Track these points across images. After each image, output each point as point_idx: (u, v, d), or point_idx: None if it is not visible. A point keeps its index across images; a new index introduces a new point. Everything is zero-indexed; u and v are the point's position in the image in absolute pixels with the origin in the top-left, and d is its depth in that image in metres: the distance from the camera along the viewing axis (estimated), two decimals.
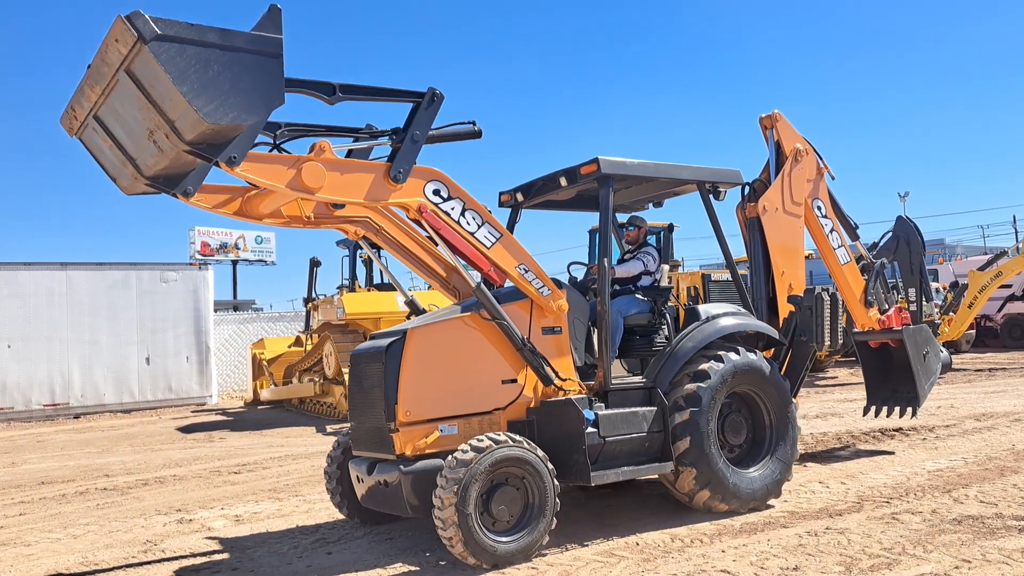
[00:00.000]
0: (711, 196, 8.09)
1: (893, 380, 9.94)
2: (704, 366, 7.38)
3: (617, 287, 8.33)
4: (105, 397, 22.03)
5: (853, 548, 6.19)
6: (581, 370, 7.37)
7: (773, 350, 8.48)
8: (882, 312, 9.95)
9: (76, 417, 21.46)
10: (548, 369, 6.89)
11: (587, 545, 6.59)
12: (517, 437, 6.37)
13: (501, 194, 8.38)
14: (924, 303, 19.92)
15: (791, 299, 8.58)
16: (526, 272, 6.93)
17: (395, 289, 18.45)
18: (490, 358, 6.85)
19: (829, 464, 9.61)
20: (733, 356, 7.52)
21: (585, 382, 7.27)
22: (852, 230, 10.01)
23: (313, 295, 21.17)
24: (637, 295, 8.09)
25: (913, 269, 20.18)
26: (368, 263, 20.42)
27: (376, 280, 20.27)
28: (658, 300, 8.08)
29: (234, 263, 45.70)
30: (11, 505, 9.88)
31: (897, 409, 9.99)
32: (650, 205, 8.92)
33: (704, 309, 7.97)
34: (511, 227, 8.41)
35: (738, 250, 8.81)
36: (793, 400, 7.94)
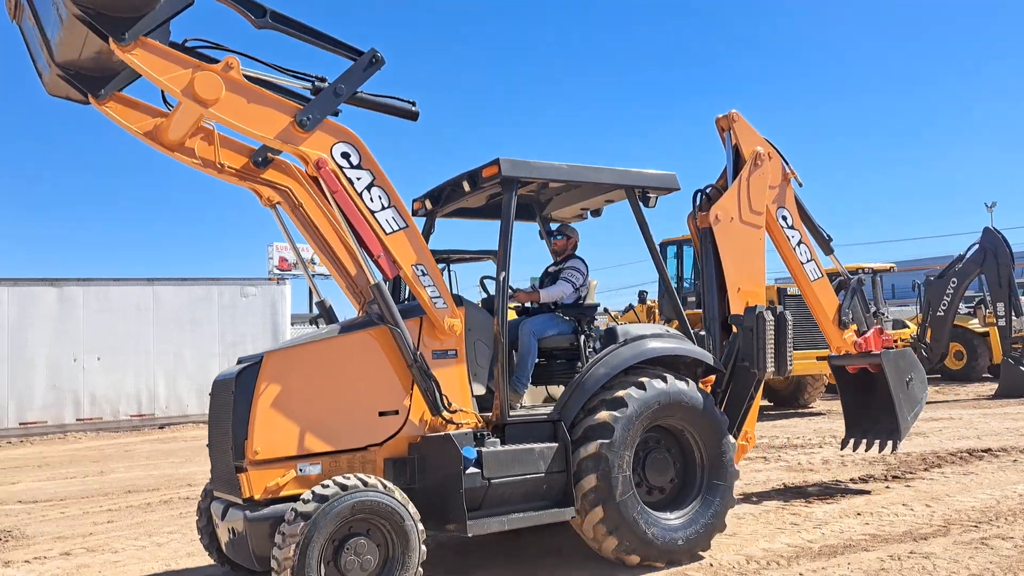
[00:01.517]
0: (641, 203, 6.94)
1: (875, 410, 8.37)
2: (621, 393, 5.94)
3: (533, 304, 7.23)
4: (188, 408, 21.55)
5: (939, 574, 5.66)
6: (486, 400, 6.11)
7: (715, 377, 7.28)
8: (860, 334, 8.62)
9: (161, 427, 21.09)
10: (440, 395, 5.65)
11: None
12: (371, 480, 5.06)
13: (413, 201, 7.05)
14: (1014, 318, 18.43)
15: (732, 319, 7.04)
16: (423, 275, 5.69)
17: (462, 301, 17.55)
18: (365, 387, 5.57)
19: (913, 485, 8.69)
20: (658, 384, 6.06)
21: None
22: (825, 243, 8.41)
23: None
24: (557, 313, 6.69)
25: (1001, 282, 18.57)
26: None
27: (453, 291, 19.13)
28: (582, 320, 6.67)
29: (298, 277, 45.64)
30: (100, 512, 9.57)
31: (877, 443, 8.33)
32: (588, 214, 7.78)
33: (624, 330, 6.47)
34: (424, 238, 7.20)
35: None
36: (731, 436, 6.48)
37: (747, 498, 8.46)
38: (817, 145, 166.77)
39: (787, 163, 7.90)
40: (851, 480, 9.22)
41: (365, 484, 5.05)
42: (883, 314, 18.93)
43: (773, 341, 6.63)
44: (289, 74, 5.50)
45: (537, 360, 6.76)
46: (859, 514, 7.56)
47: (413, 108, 5.84)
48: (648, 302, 19.85)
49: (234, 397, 5.37)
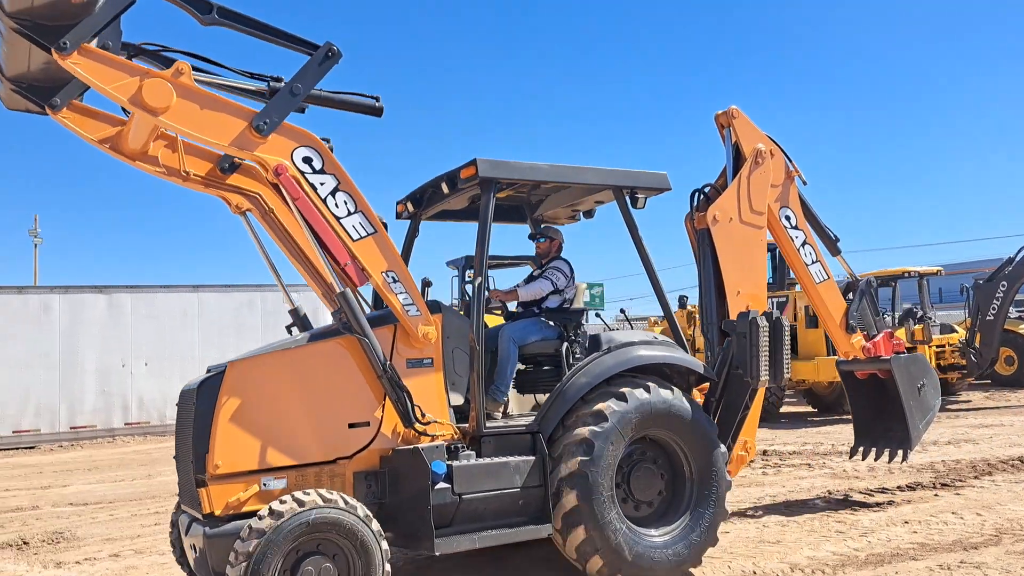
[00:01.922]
0: (630, 205, 6.55)
1: (886, 417, 7.81)
2: (601, 406, 5.55)
3: (520, 309, 6.89)
4: None
5: None
6: (467, 411, 5.72)
7: (708, 386, 6.81)
8: (870, 338, 8.11)
9: None
10: (411, 407, 5.28)
11: None
12: (332, 495, 4.74)
13: (397, 204, 6.71)
14: None
15: (725, 325, 6.59)
16: (394, 282, 5.34)
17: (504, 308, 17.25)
18: (335, 397, 5.23)
19: (963, 494, 8.30)
20: (640, 394, 5.65)
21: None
22: (832, 243, 7.87)
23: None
24: (542, 319, 6.33)
25: None
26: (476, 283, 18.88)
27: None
28: (568, 325, 6.28)
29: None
30: (147, 515, 9.56)
31: (887, 452, 7.83)
32: (581, 216, 7.42)
33: (608, 337, 6.06)
34: (409, 242, 6.76)
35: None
36: (722, 447, 6.03)
37: (791, 506, 8.16)
38: (862, 146, 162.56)
39: (790, 160, 7.42)
40: (898, 487, 8.81)
41: (324, 500, 4.74)
42: (930, 318, 18.20)
43: (768, 348, 6.18)
44: (243, 76, 5.20)
45: (523, 367, 6.45)
46: (907, 522, 7.26)
47: (376, 104, 5.49)
48: (689, 307, 19.32)
49: (195, 408, 5.10)
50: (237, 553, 4.56)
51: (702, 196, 7.19)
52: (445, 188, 6.00)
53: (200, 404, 5.10)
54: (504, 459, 5.41)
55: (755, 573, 5.87)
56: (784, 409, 16.90)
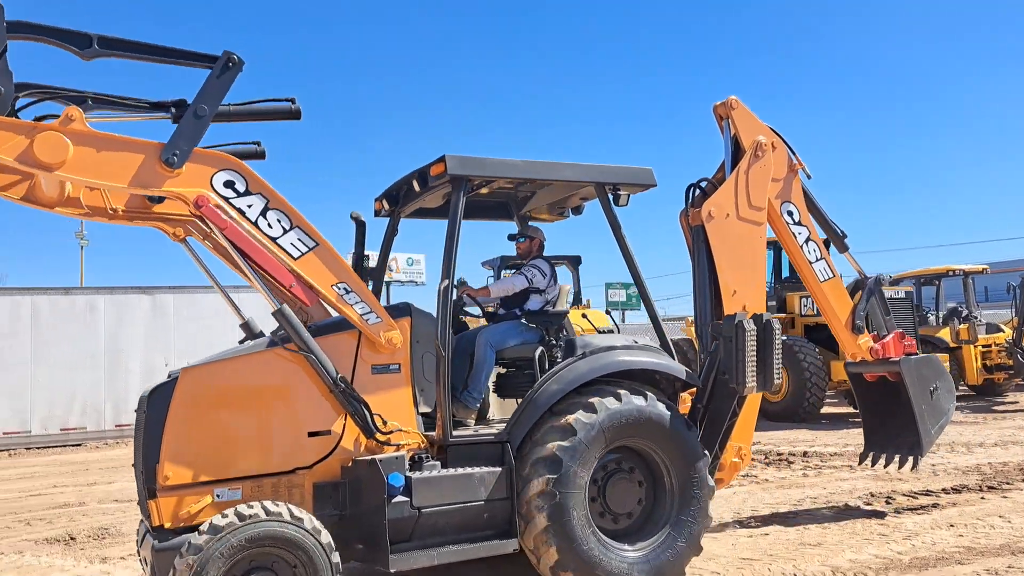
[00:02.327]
0: (613, 202, 6.14)
1: (897, 422, 7.29)
2: (569, 418, 5.16)
3: (502, 311, 6.54)
4: None
5: None
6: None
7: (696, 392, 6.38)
8: (880, 338, 7.57)
9: None
10: (370, 417, 5.00)
11: None
12: (276, 508, 4.45)
13: (374, 201, 6.41)
14: None
15: (712, 328, 6.18)
16: (347, 293, 5.01)
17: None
18: (294, 405, 4.94)
19: (1010, 496, 7.94)
20: (611, 403, 5.25)
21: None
22: (839, 239, 7.34)
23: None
24: (522, 322, 5.97)
25: None
26: None
27: None
28: (550, 328, 5.91)
29: (387, 284, 45.75)
30: None
31: (897, 459, 7.30)
32: (569, 212, 7.03)
33: (584, 341, 5.67)
34: (387, 241, 6.43)
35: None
36: (705, 455, 5.60)
37: (832, 508, 7.81)
38: (905, 141, 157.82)
39: (793, 153, 6.95)
40: (943, 490, 8.38)
41: (268, 513, 4.47)
42: (976, 317, 17.38)
43: (755, 353, 5.72)
44: (142, 107, 4.84)
45: (504, 371, 6.11)
46: (952, 525, 6.92)
47: (293, 107, 5.07)
48: None
49: (146, 416, 4.88)
50: (175, 570, 4.31)
51: (698, 191, 6.75)
52: (416, 186, 5.69)
53: (151, 412, 4.87)
54: (468, 470, 5.07)
55: None
56: (825, 410, 16.27)
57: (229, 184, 4.78)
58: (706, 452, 5.65)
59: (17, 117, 4.57)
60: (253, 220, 4.82)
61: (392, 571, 4.76)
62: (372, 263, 6.39)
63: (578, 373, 5.40)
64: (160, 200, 5.12)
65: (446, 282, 5.25)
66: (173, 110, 4.79)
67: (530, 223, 6.48)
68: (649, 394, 5.47)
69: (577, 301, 16.43)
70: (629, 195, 5.96)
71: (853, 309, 7.23)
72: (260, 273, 4.98)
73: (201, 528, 4.40)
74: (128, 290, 21.00)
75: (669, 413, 5.46)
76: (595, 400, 5.25)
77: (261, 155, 5.43)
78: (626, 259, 5.97)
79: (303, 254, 4.93)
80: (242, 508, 4.47)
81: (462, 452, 5.21)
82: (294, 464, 4.97)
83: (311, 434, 5.02)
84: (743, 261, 6.49)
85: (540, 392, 5.34)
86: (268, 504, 4.53)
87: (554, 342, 5.85)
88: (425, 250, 35.17)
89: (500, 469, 5.14)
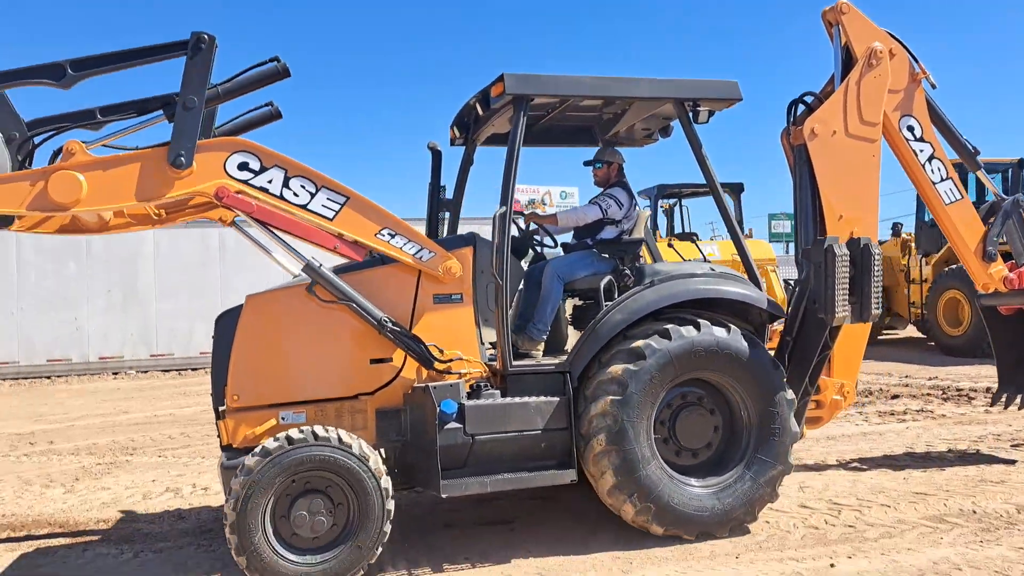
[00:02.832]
0: (691, 119, 5.59)
1: None
2: (639, 343, 4.90)
3: (574, 241, 6.21)
4: None
5: None
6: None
7: (783, 325, 5.78)
8: (1017, 267, 6.59)
9: None
10: (424, 348, 4.89)
11: None
12: (326, 433, 4.48)
13: (449, 129, 6.19)
14: None
15: (803, 253, 5.58)
16: (392, 237, 4.89)
17: (697, 238, 16.63)
18: (355, 333, 4.92)
19: None
20: (688, 331, 4.93)
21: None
22: (970, 156, 6.42)
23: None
24: (593, 251, 5.67)
25: None
26: (669, 213, 18.08)
27: (677, 229, 17.92)
28: (625, 258, 5.56)
29: None
30: None
31: None
32: (657, 135, 6.52)
33: (653, 269, 5.33)
34: (463, 170, 6.21)
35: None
36: (788, 393, 5.15)
37: (1017, 446, 7.22)
38: None
39: (916, 61, 6.12)
40: None
41: (316, 438, 4.51)
42: None
43: (847, 280, 5.15)
44: (130, 116, 4.75)
45: (583, 303, 5.86)
46: None
47: (279, 65, 4.83)
48: (903, 235, 17.35)
49: (216, 340, 5.04)
50: (231, 489, 4.43)
51: (801, 107, 6.12)
52: (480, 109, 5.45)
53: (219, 336, 5.03)
54: (524, 399, 4.91)
55: (974, 512, 5.36)
56: None
57: (243, 166, 4.66)
58: (791, 392, 5.19)
59: (33, 154, 4.72)
60: (278, 194, 4.71)
61: (443, 496, 4.71)
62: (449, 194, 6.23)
63: (644, 302, 5.08)
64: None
65: (503, 208, 5.03)
66: (162, 110, 4.67)
67: (612, 147, 6.08)
68: (732, 326, 5.08)
69: (739, 230, 15.61)
70: (711, 112, 5.46)
71: (985, 235, 6.39)
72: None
73: (255, 451, 4.50)
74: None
75: (749, 347, 5.05)
76: (671, 327, 4.95)
77: (277, 115, 5.34)
78: (708, 182, 5.52)
79: (337, 212, 4.82)
80: (293, 432, 4.53)
81: (523, 382, 5.04)
82: (356, 390, 4.99)
83: (373, 361, 5.00)
84: (851, 182, 5.85)
85: (603, 323, 5.07)
86: (318, 429, 4.56)
87: (627, 272, 5.51)
88: (578, 183, 34.34)
89: (559, 399, 4.93)
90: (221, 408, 4.95)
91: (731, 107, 5.53)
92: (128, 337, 18.65)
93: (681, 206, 18.98)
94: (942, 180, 6.27)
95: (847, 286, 5.15)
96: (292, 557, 4.43)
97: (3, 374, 18.45)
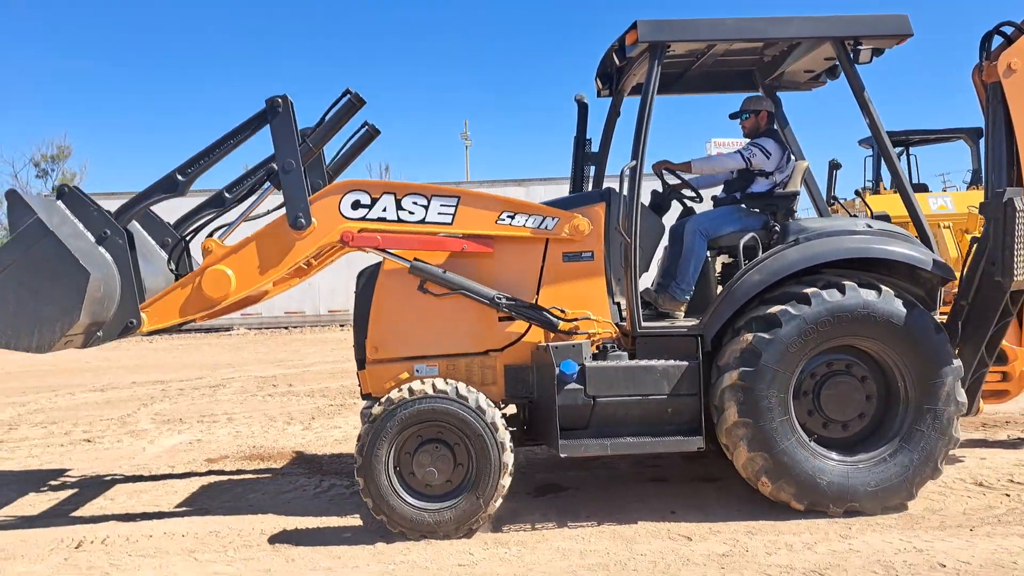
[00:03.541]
0: (852, 59, 4.97)
1: None
2: (775, 309, 4.52)
3: (722, 194, 5.74)
4: None
5: None
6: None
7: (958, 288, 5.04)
8: None
9: None
10: (545, 314, 4.81)
11: None
12: (444, 385, 4.56)
13: (595, 81, 5.92)
14: None
15: (981, 207, 4.87)
16: (512, 218, 4.87)
17: (927, 190, 15.51)
18: (489, 282, 4.89)
19: None
20: (830, 295, 4.48)
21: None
22: None
23: (832, 199, 18.30)
24: (741, 206, 5.29)
25: None
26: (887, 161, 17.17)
27: (914, 179, 17.21)
28: (777, 213, 5.11)
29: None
30: None
31: None
32: (825, 77, 5.82)
33: (800, 226, 4.84)
34: (609, 124, 5.92)
35: None
36: (955, 364, 4.55)
37: None
38: None
39: None
40: None
41: (435, 390, 4.58)
42: None
43: None
44: (239, 199, 5.09)
45: (732, 261, 5.49)
46: None
47: (352, 97, 4.93)
48: None
49: (357, 296, 5.24)
50: (360, 435, 4.62)
51: (999, 39, 5.30)
52: (616, 59, 5.20)
53: (361, 291, 5.21)
54: (650, 362, 4.68)
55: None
56: None
57: (356, 204, 4.81)
58: (958, 361, 4.58)
59: (187, 252, 5.33)
60: (395, 219, 4.82)
61: (563, 456, 4.63)
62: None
63: (786, 262, 4.66)
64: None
65: (634, 163, 4.78)
66: (267, 178, 4.95)
67: (754, 95, 5.57)
68: (885, 288, 4.55)
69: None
70: (873, 50, 4.86)
71: None
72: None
73: (381, 400, 4.64)
74: (507, 182, 22.40)
75: (906, 311, 4.50)
76: (811, 291, 4.51)
77: (376, 132, 5.53)
78: (872, 130, 4.94)
79: (453, 215, 4.85)
80: (415, 384, 4.63)
81: (653, 344, 4.81)
82: (486, 346, 4.99)
83: (501, 319, 4.98)
84: None
85: (740, 284, 4.71)
86: (438, 382, 4.62)
87: (778, 228, 5.07)
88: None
89: (688, 363, 4.66)
90: (360, 358, 5.13)
91: (901, 44, 4.89)
92: (352, 293, 20.07)
93: (908, 154, 17.41)
94: None
95: None
96: (413, 502, 4.57)
97: (248, 324, 20.48)
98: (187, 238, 5.37)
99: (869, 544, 4.18)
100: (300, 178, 4.74)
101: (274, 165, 4.82)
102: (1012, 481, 5.19)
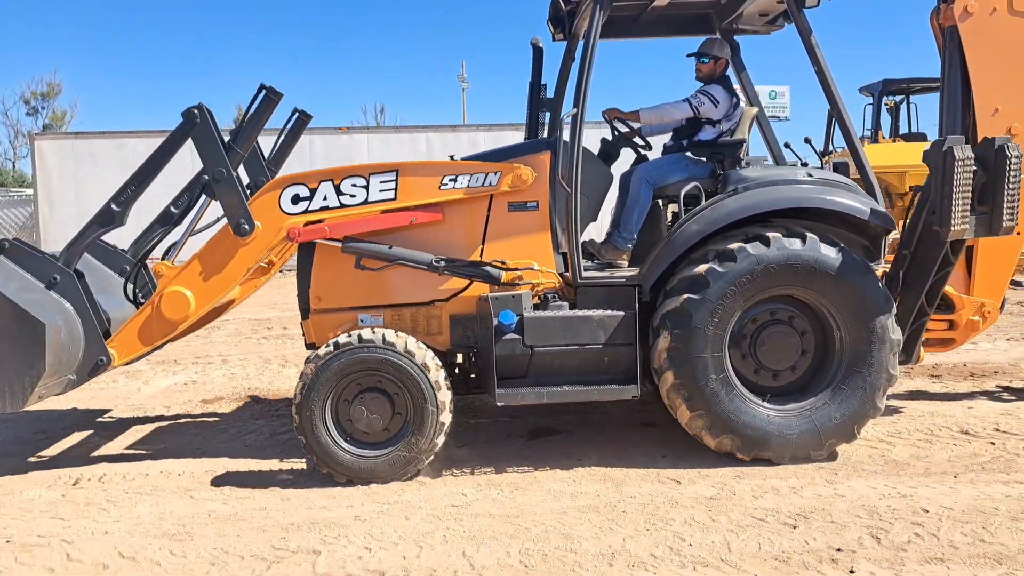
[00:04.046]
0: (799, 1, 4.82)
1: None
2: (703, 268, 4.49)
3: (670, 142, 5.64)
4: None
5: None
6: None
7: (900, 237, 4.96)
8: None
9: None
10: (485, 270, 4.80)
11: None
12: (371, 335, 4.57)
13: (547, 24, 5.76)
14: None
15: (923, 155, 4.67)
16: (454, 180, 4.80)
17: (927, 139, 15.29)
18: (429, 242, 4.90)
19: None
20: (755, 249, 4.46)
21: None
22: None
23: (830, 148, 16.99)
24: (688, 155, 5.21)
25: None
26: (894, 111, 16.68)
27: (903, 129, 16.73)
28: (725, 161, 5.04)
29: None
30: None
31: None
32: (782, 20, 5.62)
33: (740, 175, 4.75)
34: (565, 67, 5.79)
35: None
36: (890, 315, 4.54)
37: None
38: None
39: None
40: None
41: (384, 341, 4.58)
42: None
43: (968, 189, 4.33)
44: (179, 211, 5.20)
45: (680, 210, 5.43)
46: None
47: (270, 94, 4.85)
48: None
49: (300, 245, 5.20)
50: (303, 374, 4.65)
51: None
52: (563, 3, 5.07)
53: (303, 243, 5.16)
54: (587, 312, 4.68)
55: None
56: None
57: (296, 199, 4.77)
58: (892, 304, 4.56)
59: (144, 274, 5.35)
60: (337, 205, 4.78)
61: (499, 404, 4.66)
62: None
63: (723, 212, 4.61)
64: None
65: (575, 110, 4.70)
66: (204, 192, 4.92)
67: (716, 39, 5.43)
68: (810, 236, 4.50)
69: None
70: None
71: None
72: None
73: (328, 343, 4.66)
74: (505, 127, 22.08)
75: (838, 259, 4.47)
76: (735, 246, 4.48)
77: (307, 117, 5.61)
78: (819, 76, 4.83)
79: (395, 189, 4.80)
80: (365, 332, 4.65)
81: (593, 294, 4.80)
82: (431, 296, 4.99)
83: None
84: (1012, 70, 4.90)
85: (679, 233, 4.67)
86: (388, 333, 4.63)
87: (725, 175, 5.00)
88: (789, 82, 31.67)
89: (625, 313, 4.65)
90: (304, 308, 5.13)
91: None
92: None
93: (909, 103, 17.11)
94: None
95: (969, 194, 4.36)
96: (347, 446, 4.62)
97: None
98: (144, 261, 5.39)
99: (854, 489, 4.23)
100: (233, 184, 4.70)
101: (207, 176, 4.77)
102: (998, 430, 5.21)
